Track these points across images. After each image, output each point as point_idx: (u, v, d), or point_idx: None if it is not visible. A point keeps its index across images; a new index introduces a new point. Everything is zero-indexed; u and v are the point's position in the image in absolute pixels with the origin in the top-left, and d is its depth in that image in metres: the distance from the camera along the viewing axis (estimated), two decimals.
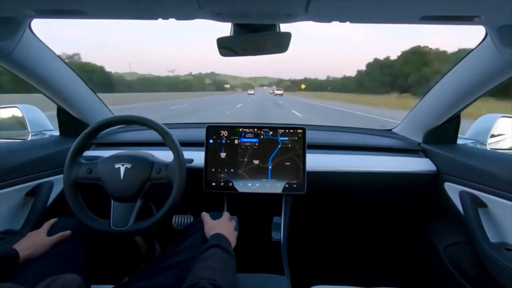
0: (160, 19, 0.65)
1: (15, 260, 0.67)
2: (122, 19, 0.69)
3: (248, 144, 1.03)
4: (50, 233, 0.77)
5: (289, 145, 1.02)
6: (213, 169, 1.02)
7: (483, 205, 0.86)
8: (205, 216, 0.83)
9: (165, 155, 0.92)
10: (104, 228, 0.82)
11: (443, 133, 1.09)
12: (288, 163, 1.01)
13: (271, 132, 1.03)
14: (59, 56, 0.96)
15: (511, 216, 0.78)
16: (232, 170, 1.02)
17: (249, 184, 1.01)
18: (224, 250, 0.67)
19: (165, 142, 0.86)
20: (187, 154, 0.96)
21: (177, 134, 0.87)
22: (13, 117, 1.22)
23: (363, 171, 1.08)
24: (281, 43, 0.79)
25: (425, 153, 1.13)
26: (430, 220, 1.15)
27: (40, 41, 0.85)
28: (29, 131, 1.18)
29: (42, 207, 0.90)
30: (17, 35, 0.74)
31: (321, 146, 1.15)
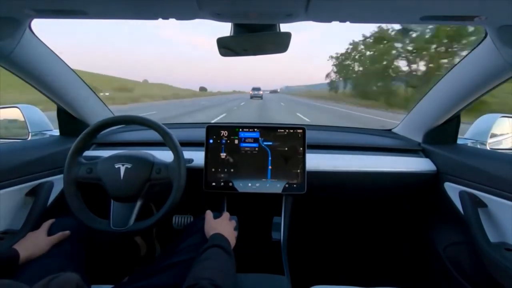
0: (160, 19, 0.65)
1: (16, 260, 0.67)
2: (122, 19, 0.69)
3: (247, 144, 1.03)
4: (50, 233, 0.77)
5: (289, 145, 1.02)
6: (213, 169, 1.02)
7: (483, 205, 0.85)
8: (208, 214, 0.83)
9: (165, 155, 0.92)
10: (104, 228, 0.82)
11: (443, 133, 1.09)
12: (288, 163, 1.01)
13: (271, 133, 1.03)
14: (59, 56, 0.96)
15: (511, 216, 0.78)
16: (232, 170, 1.02)
17: (249, 184, 1.01)
18: (224, 250, 0.67)
19: (165, 142, 0.86)
20: (187, 154, 0.97)
21: (177, 134, 0.87)
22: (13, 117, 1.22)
23: (363, 171, 1.08)
24: (281, 43, 0.79)
25: (425, 153, 1.13)
26: (430, 220, 1.15)
27: (40, 41, 0.85)
28: (29, 131, 1.18)
29: (42, 207, 0.90)
30: (17, 35, 0.74)
31: (321, 146, 1.15)
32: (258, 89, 31.97)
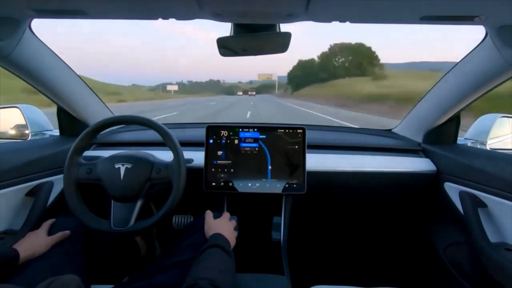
0: (160, 19, 0.66)
1: (16, 260, 0.67)
2: (122, 19, 0.69)
3: (247, 144, 1.03)
4: (50, 233, 0.77)
5: (289, 145, 1.02)
6: (213, 169, 1.02)
7: (483, 205, 0.86)
8: (208, 214, 0.83)
9: (165, 155, 0.92)
10: (104, 228, 0.82)
11: (443, 133, 1.09)
12: (288, 163, 1.01)
13: (271, 133, 1.03)
14: (59, 56, 0.96)
15: (511, 216, 0.78)
16: (232, 170, 1.02)
17: (249, 184, 1.01)
18: (223, 250, 0.67)
19: (165, 142, 0.86)
20: (187, 154, 0.97)
21: (177, 134, 0.87)
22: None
23: (363, 171, 1.08)
24: (281, 43, 0.79)
25: (425, 153, 1.13)
26: (430, 220, 1.15)
27: (40, 41, 0.85)
28: (29, 131, 1.18)
29: (42, 207, 0.90)
30: (17, 35, 0.74)
31: (321, 146, 1.15)
32: (253, 90, 50.65)
